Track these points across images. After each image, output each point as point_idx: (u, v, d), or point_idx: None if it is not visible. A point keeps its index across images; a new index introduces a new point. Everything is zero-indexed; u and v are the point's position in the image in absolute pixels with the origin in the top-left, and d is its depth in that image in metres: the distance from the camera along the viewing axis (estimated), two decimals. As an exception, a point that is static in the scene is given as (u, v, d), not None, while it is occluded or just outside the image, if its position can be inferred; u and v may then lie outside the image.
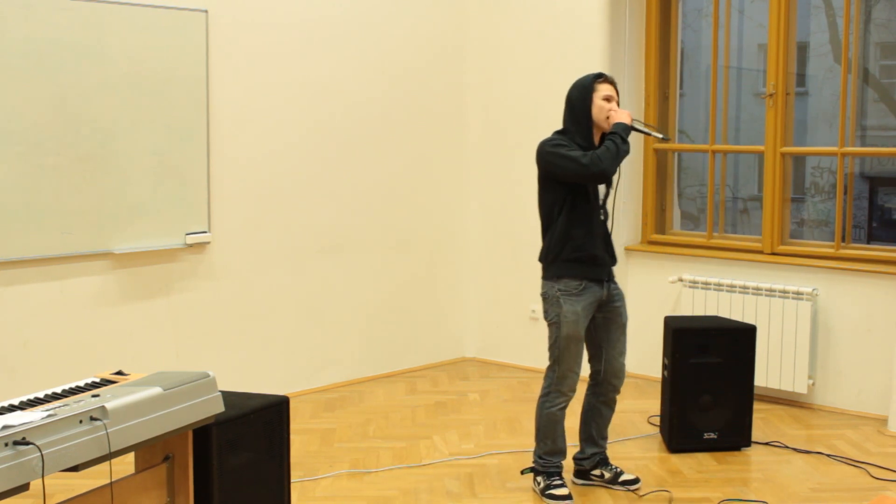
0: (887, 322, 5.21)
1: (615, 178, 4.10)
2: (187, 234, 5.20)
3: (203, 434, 3.15)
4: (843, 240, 5.54)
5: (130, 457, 2.98)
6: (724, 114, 6.02)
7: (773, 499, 4.13)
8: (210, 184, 5.27)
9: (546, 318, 4.14)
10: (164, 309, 5.20)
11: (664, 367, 4.86)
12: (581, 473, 4.34)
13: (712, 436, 4.73)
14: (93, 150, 4.80)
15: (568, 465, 4.31)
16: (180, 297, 5.26)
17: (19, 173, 4.57)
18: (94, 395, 2.66)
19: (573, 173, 3.95)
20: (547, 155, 4.02)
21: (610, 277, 4.15)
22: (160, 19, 4.98)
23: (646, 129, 4.24)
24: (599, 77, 4.09)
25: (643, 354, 6.12)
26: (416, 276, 6.40)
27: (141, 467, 2.99)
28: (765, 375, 5.46)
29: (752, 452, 4.74)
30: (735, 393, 4.73)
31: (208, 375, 2.91)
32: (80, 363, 4.74)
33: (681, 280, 5.89)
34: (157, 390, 2.71)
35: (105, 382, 2.90)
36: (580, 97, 4.06)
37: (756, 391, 4.92)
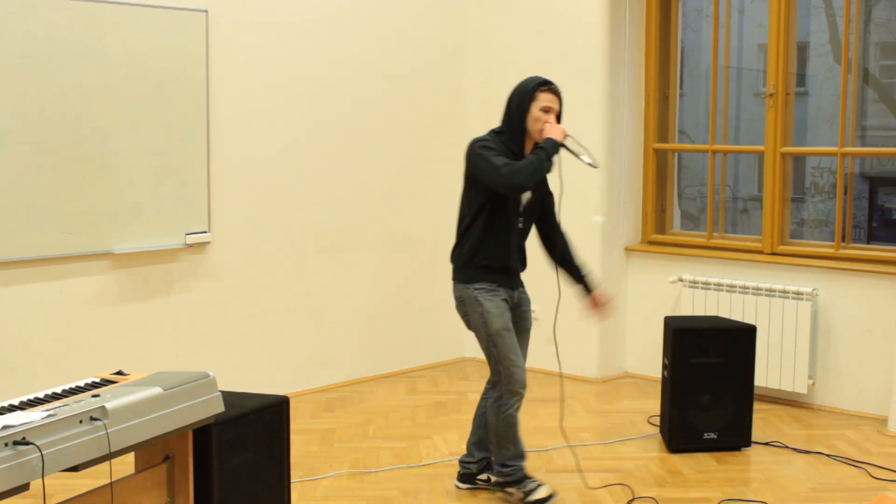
0: (887, 322, 5.21)
1: (558, 185, 4.01)
2: (187, 234, 5.20)
3: (203, 434, 3.15)
4: (843, 240, 5.54)
5: (130, 457, 2.98)
6: (724, 114, 6.02)
7: (773, 499, 4.13)
8: (210, 184, 5.27)
9: (470, 323, 4.03)
10: (164, 309, 5.20)
11: (664, 367, 4.86)
12: (466, 477, 4.24)
13: (712, 436, 4.73)
14: (93, 150, 4.81)
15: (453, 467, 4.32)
16: (180, 297, 5.26)
17: (19, 173, 4.57)
18: (94, 395, 2.66)
19: (490, 181, 3.84)
20: (473, 156, 3.91)
21: (518, 285, 4.10)
22: (160, 19, 4.98)
23: (575, 151, 3.96)
24: (543, 85, 3.93)
25: (643, 354, 6.13)
26: (416, 275, 6.40)
27: (141, 467, 2.99)
28: (765, 375, 5.46)
29: (752, 452, 4.74)
30: (735, 393, 4.73)
31: (208, 375, 2.91)
32: (80, 363, 4.74)
33: (681, 280, 5.89)
34: (157, 390, 2.71)
35: (105, 382, 2.90)
36: (518, 103, 3.93)
37: (756, 391, 4.92)
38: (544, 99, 3.91)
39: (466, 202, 4.01)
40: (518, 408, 4.02)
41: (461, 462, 4.28)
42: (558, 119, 3.97)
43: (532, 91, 3.92)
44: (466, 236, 3.99)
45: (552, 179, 4.02)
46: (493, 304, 3.95)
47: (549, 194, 4.16)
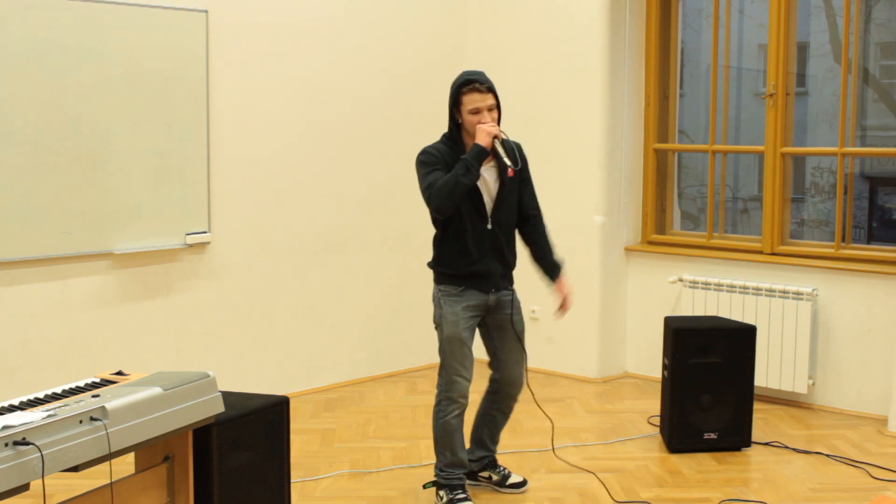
0: (887, 322, 5.21)
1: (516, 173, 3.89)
2: (187, 234, 5.20)
3: (203, 434, 3.15)
4: (843, 240, 5.54)
5: (130, 457, 2.98)
6: (724, 114, 6.02)
7: (773, 499, 4.13)
8: (210, 184, 5.27)
9: (434, 321, 4.05)
10: (165, 309, 5.20)
11: (664, 367, 4.86)
12: (469, 474, 4.22)
13: (712, 436, 4.73)
14: (93, 150, 4.80)
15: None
16: (180, 297, 5.26)
17: (19, 173, 4.57)
18: (94, 396, 2.66)
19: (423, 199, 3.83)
20: (416, 168, 3.89)
21: (498, 287, 3.96)
22: (160, 19, 4.98)
23: (501, 153, 3.80)
24: (465, 85, 3.79)
25: (643, 354, 6.13)
26: (416, 275, 6.38)
27: (141, 467, 2.99)
28: (765, 375, 5.46)
29: (752, 452, 4.74)
30: (735, 393, 4.73)
31: (208, 375, 2.91)
32: (80, 363, 4.74)
33: (681, 280, 5.89)
34: (157, 390, 2.71)
35: (105, 382, 2.90)
36: (450, 108, 3.85)
37: (756, 391, 4.92)
38: (470, 101, 3.78)
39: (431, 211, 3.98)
40: (457, 416, 3.99)
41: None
42: (499, 111, 3.85)
43: (455, 94, 3.82)
44: (435, 241, 4.03)
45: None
46: (452, 310, 3.93)
47: (525, 186, 4.02)
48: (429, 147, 3.91)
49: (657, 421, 5.09)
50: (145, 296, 5.12)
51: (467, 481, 4.20)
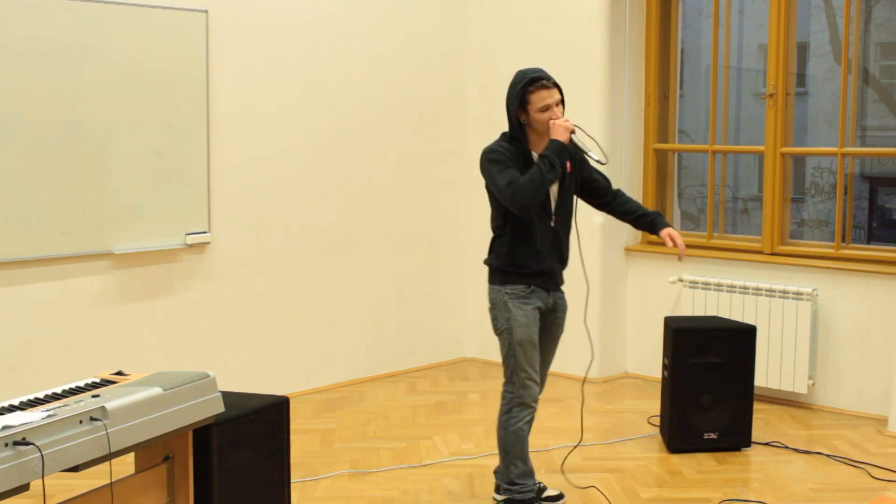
0: (887, 322, 5.21)
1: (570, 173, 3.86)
2: (187, 234, 5.20)
3: (203, 434, 3.15)
4: (843, 240, 5.54)
5: (130, 457, 2.98)
6: (724, 114, 6.02)
7: (773, 499, 4.13)
8: (210, 184, 5.27)
9: (496, 327, 3.89)
10: (165, 309, 5.20)
11: (664, 367, 4.86)
12: (500, 488, 4.07)
13: (712, 436, 4.73)
14: (93, 150, 4.80)
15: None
16: (180, 297, 5.26)
17: (19, 173, 4.57)
18: (94, 396, 2.66)
19: (500, 198, 3.73)
20: (482, 168, 3.78)
21: (557, 286, 3.94)
22: (160, 19, 4.98)
23: (583, 149, 3.82)
24: (532, 84, 3.73)
25: (643, 354, 6.13)
26: (417, 276, 6.40)
27: (141, 467, 2.99)
28: (765, 375, 5.46)
29: (752, 452, 4.74)
30: (735, 393, 4.73)
31: (208, 375, 2.91)
32: (80, 363, 4.74)
33: (681, 280, 5.89)
34: (157, 390, 2.71)
35: (105, 383, 2.90)
36: (510, 107, 3.77)
37: (756, 391, 4.92)
38: (538, 99, 3.73)
39: (493, 207, 3.88)
40: (530, 422, 3.90)
41: (496, 473, 4.12)
42: (564, 105, 3.80)
43: (521, 94, 3.75)
44: (499, 241, 3.88)
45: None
46: (522, 312, 3.82)
47: (590, 173, 3.98)
48: (494, 145, 3.80)
49: (657, 421, 5.09)
50: (145, 296, 5.12)
51: (497, 496, 4.09)
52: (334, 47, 5.82)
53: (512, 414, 3.88)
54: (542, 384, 4.00)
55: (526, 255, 3.82)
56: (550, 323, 3.98)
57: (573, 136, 3.75)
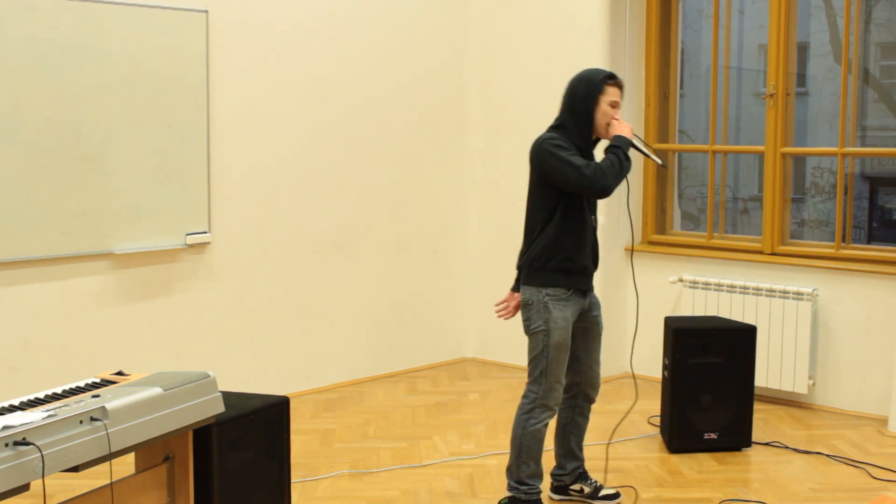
0: (887, 322, 5.21)
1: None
2: (187, 235, 5.20)
3: (203, 434, 3.15)
4: (844, 240, 5.54)
5: (130, 457, 2.98)
6: (724, 114, 6.02)
7: (773, 499, 4.13)
8: (210, 184, 5.27)
9: (530, 327, 3.86)
10: (165, 309, 5.20)
11: (664, 367, 4.86)
12: (560, 489, 4.17)
13: (712, 436, 4.73)
14: (93, 150, 4.80)
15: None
16: (180, 298, 5.26)
17: (19, 173, 4.57)
18: (94, 396, 2.66)
19: (573, 182, 3.70)
20: (546, 155, 3.73)
21: (591, 287, 3.99)
22: (160, 19, 4.98)
23: (646, 151, 3.96)
24: (610, 78, 3.82)
25: (643, 354, 6.10)
26: (417, 276, 6.40)
27: (141, 467, 2.99)
28: (765, 375, 5.46)
29: (752, 452, 4.74)
30: (735, 393, 4.73)
31: (208, 376, 2.91)
32: (80, 363, 4.74)
33: (681, 280, 5.89)
34: (157, 390, 2.71)
35: (105, 383, 2.90)
36: (585, 95, 3.79)
37: (756, 391, 4.92)
38: (612, 93, 3.80)
39: (539, 203, 3.85)
40: (546, 423, 3.89)
41: (553, 475, 4.18)
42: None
43: (600, 84, 3.79)
44: (540, 239, 3.83)
45: None
46: (563, 315, 3.82)
47: None
48: (549, 135, 3.82)
49: (657, 421, 5.09)
50: (145, 296, 5.12)
51: (557, 496, 4.16)
52: (334, 48, 5.82)
53: (533, 414, 3.87)
54: (595, 385, 4.10)
55: (572, 246, 3.82)
56: (591, 322, 4.04)
57: (635, 137, 3.85)
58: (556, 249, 3.81)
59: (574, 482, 4.17)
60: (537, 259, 3.84)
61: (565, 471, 4.16)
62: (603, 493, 4.13)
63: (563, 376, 3.89)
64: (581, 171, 3.68)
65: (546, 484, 4.17)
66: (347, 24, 5.88)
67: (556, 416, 4.05)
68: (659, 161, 3.96)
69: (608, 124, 3.82)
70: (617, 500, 4.13)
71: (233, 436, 3.36)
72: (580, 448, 4.16)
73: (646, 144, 3.92)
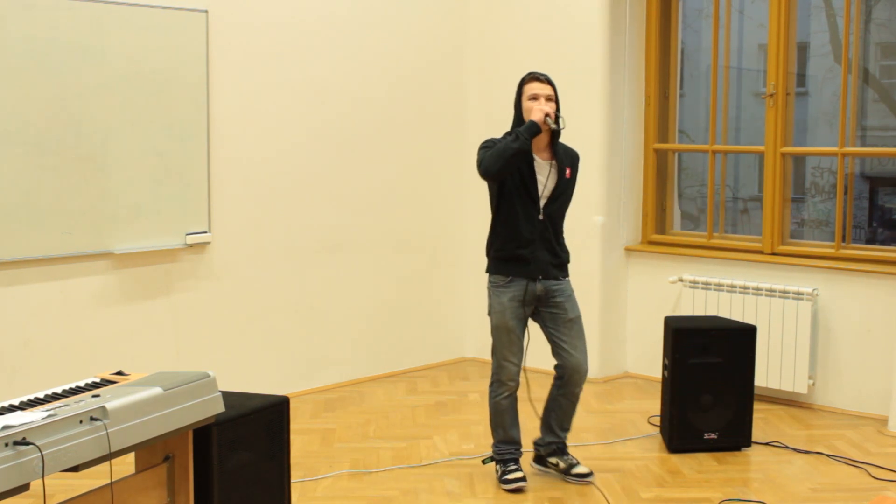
0: (887, 322, 5.21)
1: (565, 172, 4.16)
2: (187, 234, 5.20)
3: (203, 434, 3.15)
4: (844, 240, 5.54)
5: (130, 457, 2.98)
6: (724, 114, 6.02)
7: (773, 499, 4.13)
8: (210, 184, 5.27)
9: (488, 310, 4.29)
10: (165, 309, 5.20)
11: (664, 367, 4.86)
12: (539, 459, 4.44)
13: (712, 436, 4.73)
14: (93, 150, 4.80)
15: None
16: (180, 297, 5.26)
17: (19, 173, 4.57)
18: (94, 396, 2.66)
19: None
20: (477, 155, 4.16)
21: (546, 275, 4.18)
22: (160, 19, 4.98)
23: (553, 125, 4.11)
24: (528, 76, 4.18)
25: (643, 354, 6.13)
26: (416, 276, 6.40)
27: (141, 467, 2.99)
28: (765, 375, 5.46)
29: (752, 452, 4.74)
30: (735, 393, 4.73)
31: (208, 375, 2.91)
32: (80, 363, 4.74)
33: (681, 280, 5.89)
34: (157, 390, 2.71)
35: (105, 382, 2.90)
36: (516, 95, 4.20)
37: (756, 391, 4.92)
38: (529, 89, 4.13)
39: (490, 197, 4.24)
40: (507, 397, 4.26)
41: (534, 444, 4.45)
42: (557, 106, 4.14)
43: (521, 82, 4.19)
44: (490, 228, 4.24)
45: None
46: (499, 301, 4.19)
47: (567, 194, 4.26)
48: (490, 138, 4.20)
49: (657, 421, 5.09)
50: (145, 296, 5.12)
51: (537, 466, 4.43)
52: (334, 47, 5.82)
53: (492, 389, 4.31)
54: (580, 370, 4.24)
55: (508, 236, 4.16)
56: (554, 308, 4.23)
57: (547, 118, 4.04)
58: (494, 239, 4.23)
59: (551, 455, 4.39)
60: (486, 249, 4.29)
61: (542, 442, 4.42)
62: (576, 470, 4.32)
63: (513, 355, 4.21)
64: (477, 165, 4.09)
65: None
66: (347, 24, 5.88)
67: (549, 391, 4.37)
68: (554, 126, 4.07)
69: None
70: (588, 479, 4.29)
71: (233, 436, 3.36)
72: (561, 427, 4.37)
73: (559, 119, 4.12)
